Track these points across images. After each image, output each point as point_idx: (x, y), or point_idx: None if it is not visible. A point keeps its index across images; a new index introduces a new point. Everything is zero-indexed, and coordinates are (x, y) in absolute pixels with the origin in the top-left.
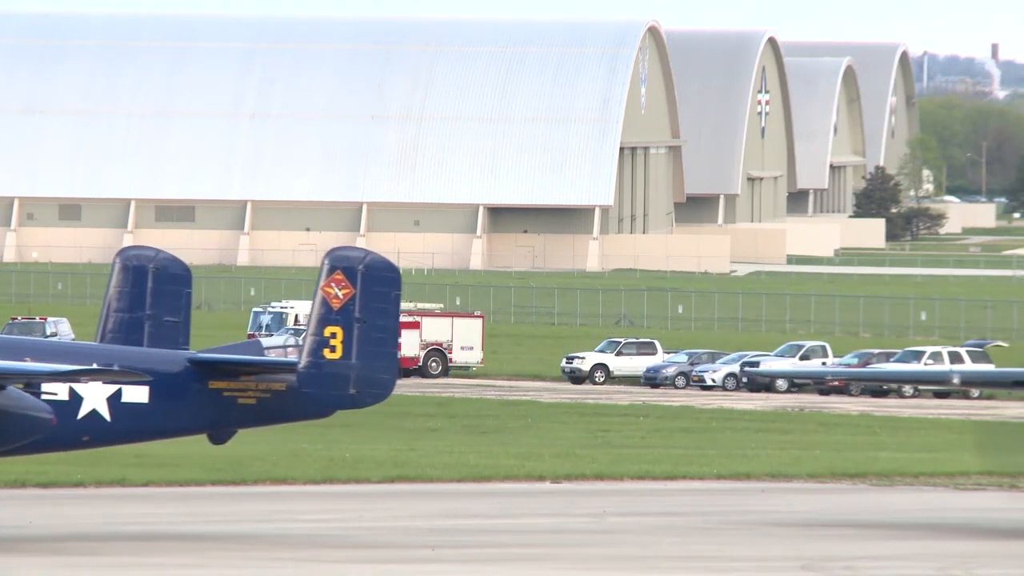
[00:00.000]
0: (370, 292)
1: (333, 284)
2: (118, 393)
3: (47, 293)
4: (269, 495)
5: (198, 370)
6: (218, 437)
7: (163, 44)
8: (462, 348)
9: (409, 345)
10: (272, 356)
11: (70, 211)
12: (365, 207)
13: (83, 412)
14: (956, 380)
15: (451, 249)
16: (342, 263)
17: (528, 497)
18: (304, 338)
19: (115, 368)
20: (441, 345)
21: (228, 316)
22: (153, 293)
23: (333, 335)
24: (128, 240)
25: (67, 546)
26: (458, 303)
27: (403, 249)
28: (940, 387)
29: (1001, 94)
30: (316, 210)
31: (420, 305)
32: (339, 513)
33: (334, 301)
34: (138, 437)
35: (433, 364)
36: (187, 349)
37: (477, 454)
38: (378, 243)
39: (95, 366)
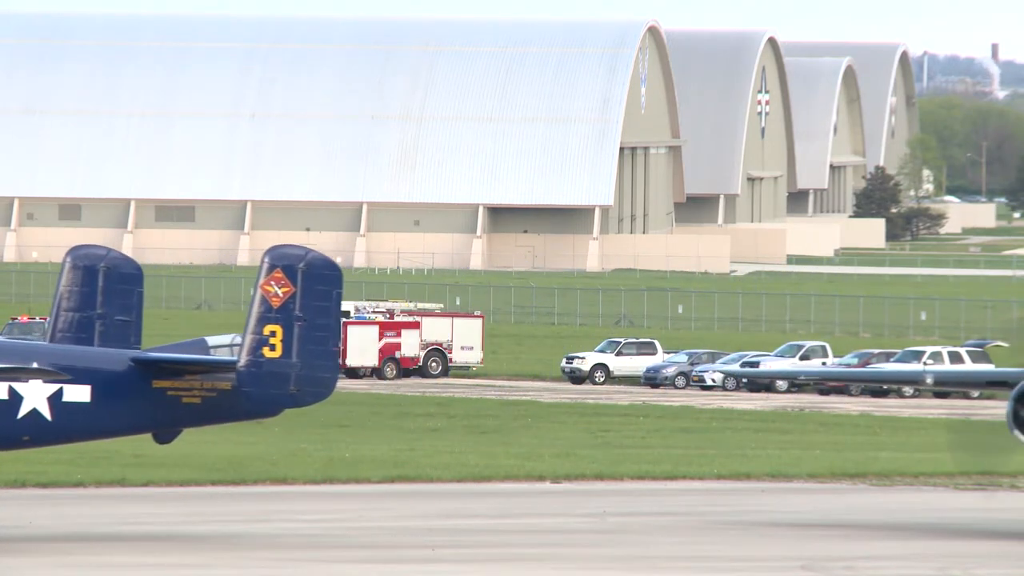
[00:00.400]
0: (311, 290)
1: (272, 282)
2: (59, 392)
3: (47, 293)
4: (269, 495)
5: (141, 369)
6: (163, 436)
7: (163, 44)
8: (462, 348)
9: (409, 345)
10: (221, 355)
11: (70, 211)
12: (365, 207)
13: (23, 411)
14: (928, 380)
15: (451, 249)
16: (281, 261)
17: (528, 497)
18: (243, 337)
19: (34, 367)
20: (441, 345)
21: (228, 316)
22: (104, 292)
23: (273, 333)
24: (128, 240)
25: (67, 546)
26: (458, 303)
27: (403, 249)
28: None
29: (1001, 94)
30: (316, 210)
31: (420, 305)
32: (339, 513)
33: (273, 299)
34: (80, 436)
35: (433, 364)
36: (139, 348)
37: (477, 454)
38: (378, 243)
39: (35, 365)
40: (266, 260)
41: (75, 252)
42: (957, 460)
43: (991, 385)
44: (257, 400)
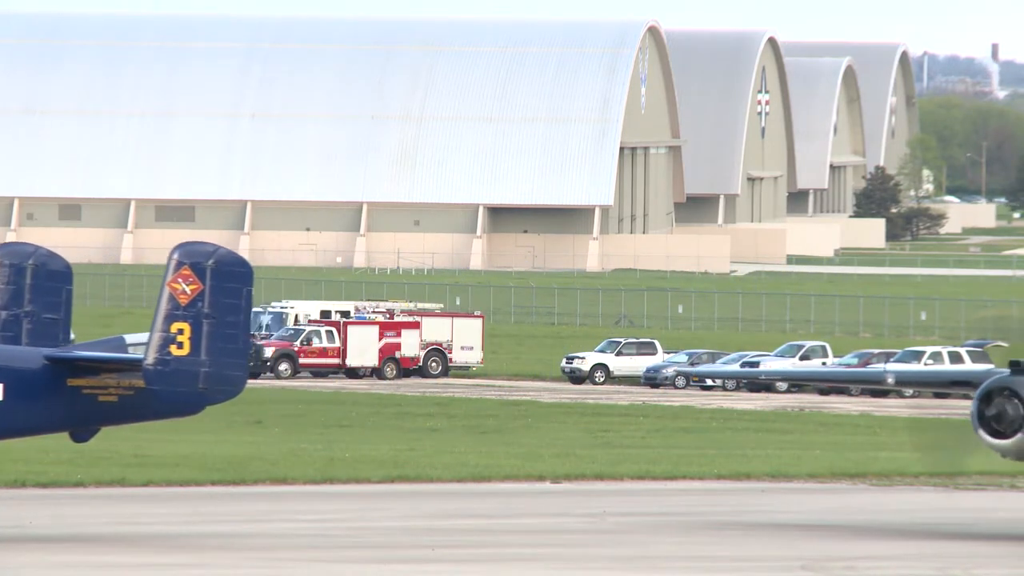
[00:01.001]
0: (219, 288)
1: (180, 279)
2: None
3: None
4: (269, 495)
5: (56, 367)
6: (79, 436)
7: (163, 44)
8: (462, 348)
9: (409, 345)
10: (139, 353)
11: (70, 211)
12: (365, 207)
13: None
14: (891, 380)
15: (451, 249)
16: (189, 258)
17: (528, 497)
18: (150, 334)
19: None
20: (441, 345)
21: None
22: (32, 290)
23: (180, 331)
24: (128, 240)
25: (67, 546)
26: (458, 303)
27: (403, 249)
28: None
29: (1001, 94)
30: (316, 210)
31: (420, 305)
32: (339, 513)
33: (181, 297)
34: None
35: (433, 364)
36: (69, 345)
37: (477, 454)
38: (378, 243)
39: None
40: (174, 257)
41: (2, 249)
42: (922, 460)
43: (954, 385)
44: (165, 398)
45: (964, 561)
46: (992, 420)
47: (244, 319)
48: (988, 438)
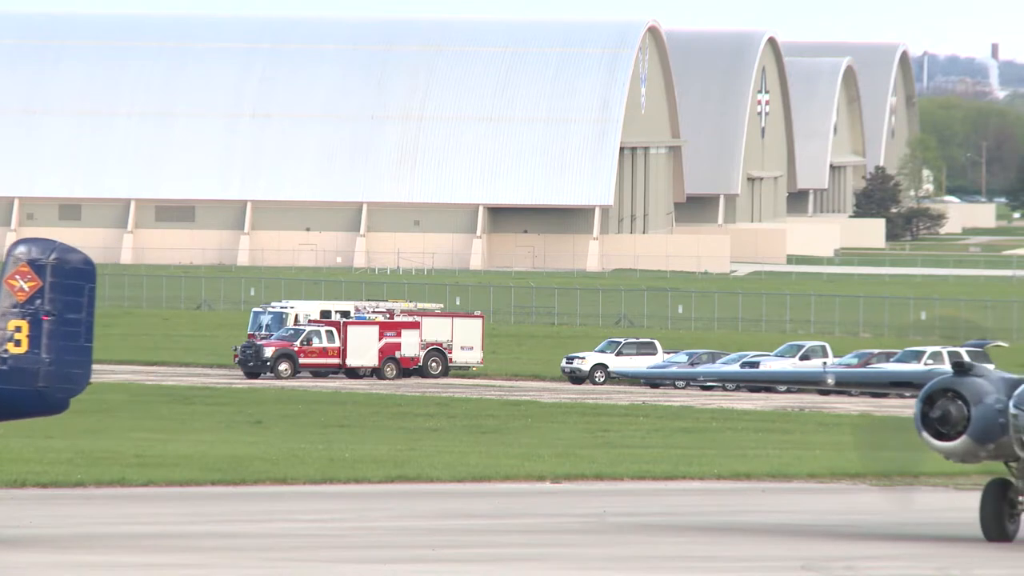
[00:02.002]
0: (60, 285)
1: (17, 276)
2: None
3: None
4: (269, 495)
5: None
6: None
7: (163, 44)
8: (462, 348)
9: (409, 345)
10: None
11: (70, 211)
12: (365, 207)
13: None
14: (830, 381)
15: (451, 249)
16: (28, 255)
17: (528, 497)
18: None
19: None
20: (441, 345)
21: (228, 316)
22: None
23: (18, 329)
24: (128, 240)
25: (67, 546)
26: (458, 303)
27: (403, 249)
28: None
29: (1001, 94)
30: (316, 210)
31: (420, 305)
32: (339, 513)
33: (19, 294)
34: None
35: (433, 364)
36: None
37: (477, 454)
38: (378, 243)
39: None
40: (12, 253)
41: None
42: (863, 460)
43: (896, 386)
44: (3, 397)
45: (964, 561)
46: (936, 422)
47: (87, 317)
48: (932, 440)
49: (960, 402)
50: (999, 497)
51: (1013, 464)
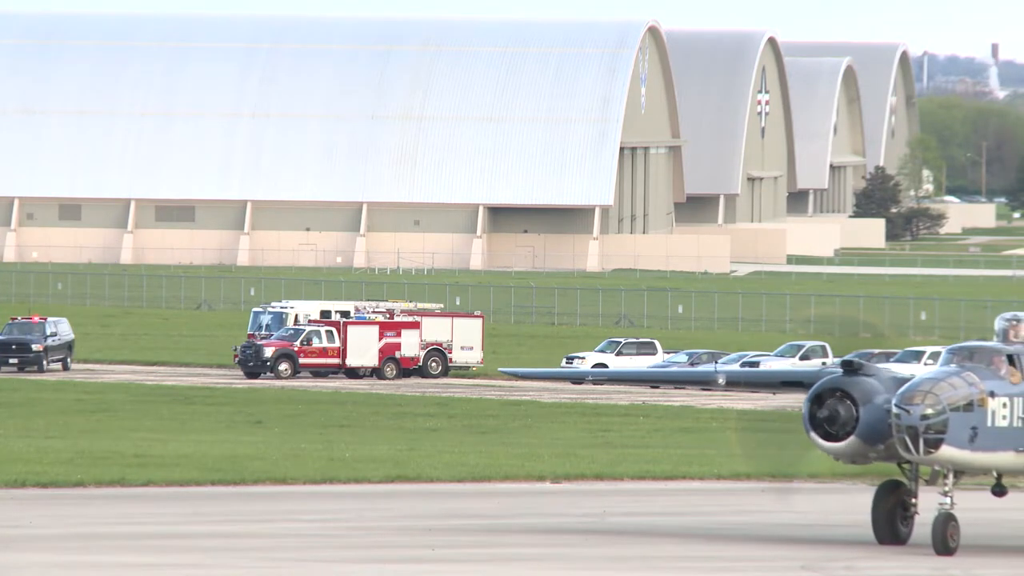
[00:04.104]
0: None
1: None
2: None
3: (47, 293)
4: (269, 495)
5: None
6: None
7: (163, 44)
8: (462, 348)
9: (409, 345)
10: None
11: (70, 211)
12: (365, 207)
13: None
14: (721, 381)
15: (451, 249)
16: None
17: (528, 497)
18: None
19: None
20: (441, 345)
21: (228, 316)
22: None
23: None
24: (128, 240)
25: (67, 546)
26: (458, 303)
27: (403, 249)
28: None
29: (1001, 94)
30: (316, 210)
31: (420, 305)
32: (339, 513)
33: None
34: None
35: (433, 364)
36: None
37: (477, 454)
38: (378, 243)
39: None
40: None
41: None
42: (747, 461)
43: (787, 386)
44: None
45: (964, 561)
46: (824, 422)
47: None
48: (820, 441)
49: (849, 402)
50: (891, 499)
51: (906, 465)
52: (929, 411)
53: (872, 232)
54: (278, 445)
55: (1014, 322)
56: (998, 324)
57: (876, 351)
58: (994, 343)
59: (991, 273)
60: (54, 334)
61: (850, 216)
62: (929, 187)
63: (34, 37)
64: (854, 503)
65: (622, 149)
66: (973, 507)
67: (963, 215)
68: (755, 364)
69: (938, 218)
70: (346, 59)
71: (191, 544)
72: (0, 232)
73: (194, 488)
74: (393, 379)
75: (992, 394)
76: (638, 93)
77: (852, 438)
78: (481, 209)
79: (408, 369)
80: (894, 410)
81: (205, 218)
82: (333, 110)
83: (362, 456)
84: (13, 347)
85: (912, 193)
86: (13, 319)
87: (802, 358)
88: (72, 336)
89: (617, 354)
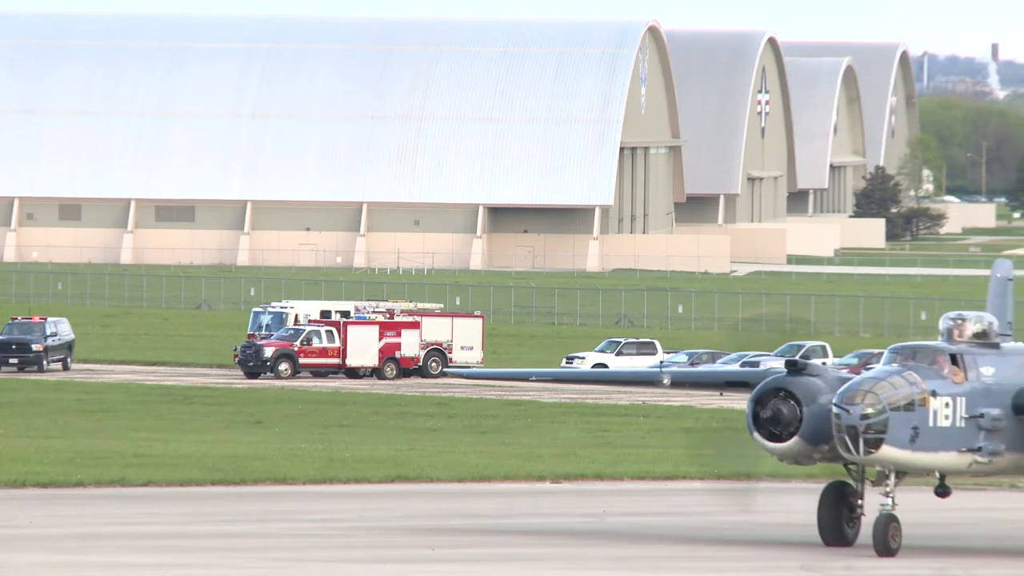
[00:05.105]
0: None
1: None
2: None
3: (47, 293)
4: (269, 495)
5: None
6: None
7: (163, 44)
8: (462, 348)
9: (409, 345)
10: None
11: (70, 211)
12: (365, 207)
13: None
14: (666, 382)
15: (451, 249)
16: None
17: (528, 497)
18: None
19: None
20: (441, 345)
21: (228, 316)
22: None
23: None
24: (128, 240)
25: (67, 546)
26: (458, 303)
27: (403, 249)
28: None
29: (1001, 94)
30: (316, 210)
31: (420, 305)
32: (339, 513)
33: None
34: None
35: (433, 364)
36: None
37: (477, 454)
38: (378, 243)
39: None
40: None
41: None
42: (696, 462)
43: (731, 386)
44: None
45: (964, 561)
46: (767, 423)
47: None
48: (764, 441)
49: (792, 402)
50: (837, 500)
51: (852, 466)
52: (869, 411)
53: (872, 232)
54: (278, 445)
55: (959, 321)
56: (942, 323)
57: (876, 351)
58: (937, 342)
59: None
60: (54, 334)
61: (850, 216)
62: (929, 187)
63: (34, 37)
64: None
65: (622, 149)
66: (973, 507)
67: (963, 215)
68: (755, 364)
69: (938, 218)
70: (346, 59)
71: (191, 544)
72: (0, 232)
73: (194, 488)
74: (393, 379)
75: (934, 394)
76: (638, 93)
77: (796, 439)
78: (481, 209)
79: (408, 369)
80: (834, 410)
81: (205, 218)
82: (333, 110)
83: (362, 456)
84: (13, 347)
85: (912, 193)
86: (13, 319)
87: (802, 358)
88: (72, 336)
89: (617, 354)
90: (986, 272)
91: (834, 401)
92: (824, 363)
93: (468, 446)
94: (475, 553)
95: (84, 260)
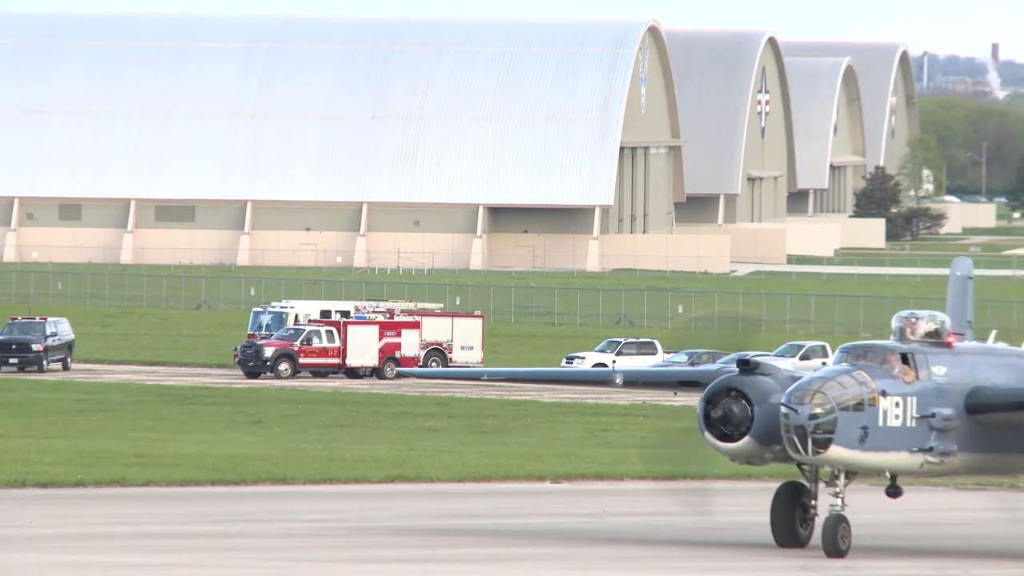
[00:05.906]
0: None
1: None
2: None
3: (47, 293)
4: (269, 495)
5: None
6: None
7: (163, 44)
8: (462, 348)
9: (409, 345)
10: None
11: (70, 211)
12: (365, 207)
13: None
14: (619, 381)
15: (451, 249)
16: None
17: (528, 497)
18: None
19: None
20: (441, 345)
21: (228, 316)
22: None
23: None
24: (128, 240)
25: (67, 546)
26: (458, 303)
27: (403, 249)
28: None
29: (1001, 94)
30: (316, 210)
31: (420, 305)
32: (339, 513)
33: None
34: None
35: (433, 364)
36: None
37: (477, 454)
38: (378, 243)
39: None
40: None
41: None
42: (645, 461)
43: (684, 385)
44: None
45: (964, 561)
46: (718, 422)
47: None
48: (715, 441)
49: (744, 402)
50: (790, 501)
51: (805, 467)
52: (818, 410)
53: (872, 232)
54: (278, 445)
55: (911, 320)
56: (895, 322)
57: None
58: (888, 341)
59: (991, 273)
60: (54, 334)
61: (850, 216)
62: (929, 187)
63: (34, 37)
64: (853, 503)
65: (622, 149)
66: (973, 507)
67: (963, 215)
68: None
69: (938, 218)
70: (346, 59)
71: (191, 544)
72: (0, 232)
73: (194, 488)
74: (393, 379)
75: (884, 393)
76: (638, 93)
77: (747, 439)
78: (481, 209)
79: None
80: (782, 409)
81: (205, 218)
82: (333, 110)
83: (362, 456)
84: (13, 347)
85: (912, 193)
86: (13, 319)
87: (802, 358)
88: (72, 336)
89: (617, 354)
90: (986, 272)
91: (782, 401)
92: (824, 363)
93: (468, 446)
94: (475, 553)
95: (84, 260)
